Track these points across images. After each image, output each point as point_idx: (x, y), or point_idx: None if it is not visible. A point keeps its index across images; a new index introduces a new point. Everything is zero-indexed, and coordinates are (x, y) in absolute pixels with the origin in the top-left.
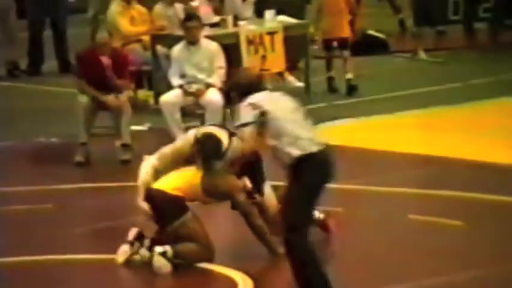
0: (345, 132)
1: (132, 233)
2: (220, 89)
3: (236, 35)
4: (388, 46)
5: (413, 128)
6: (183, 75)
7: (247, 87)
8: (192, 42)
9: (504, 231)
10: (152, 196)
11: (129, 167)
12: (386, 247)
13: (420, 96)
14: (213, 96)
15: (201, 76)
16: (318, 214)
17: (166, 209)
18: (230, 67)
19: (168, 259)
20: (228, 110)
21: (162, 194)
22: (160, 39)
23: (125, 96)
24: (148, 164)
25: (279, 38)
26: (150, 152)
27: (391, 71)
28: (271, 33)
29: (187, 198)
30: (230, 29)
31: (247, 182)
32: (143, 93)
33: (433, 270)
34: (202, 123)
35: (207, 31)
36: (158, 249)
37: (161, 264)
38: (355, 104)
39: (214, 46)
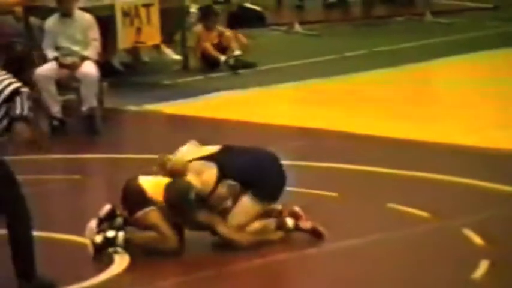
0: (221, 105)
1: (104, 210)
2: (96, 62)
3: (111, 7)
4: (264, 19)
5: (289, 101)
6: (57, 48)
7: None
8: (66, 14)
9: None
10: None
11: None
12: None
13: (296, 69)
14: (89, 69)
15: (75, 48)
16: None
17: (130, 199)
18: (105, 39)
19: (116, 244)
20: (104, 83)
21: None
22: (33, 10)
23: None
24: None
25: (155, 10)
26: None
27: (268, 43)
28: (147, 6)
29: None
30: (105, 0)
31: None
32: None
33: (308, 241)
34: (78, 96)
35: (81, 3)
36: (109, 233)
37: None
38: (231, 76)
39: (88, 18)
